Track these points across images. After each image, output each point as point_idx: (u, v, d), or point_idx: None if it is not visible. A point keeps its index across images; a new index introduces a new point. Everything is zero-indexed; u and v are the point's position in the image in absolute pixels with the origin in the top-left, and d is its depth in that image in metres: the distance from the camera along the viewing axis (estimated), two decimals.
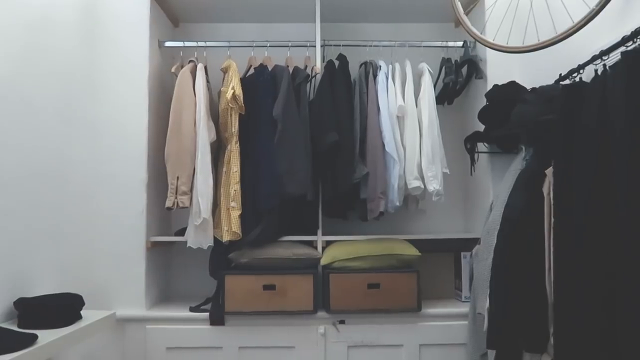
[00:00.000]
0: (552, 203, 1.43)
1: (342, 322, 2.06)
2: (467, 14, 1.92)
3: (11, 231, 1.59)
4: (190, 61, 2.23)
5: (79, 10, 2.06)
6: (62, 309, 1.58)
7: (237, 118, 2.11)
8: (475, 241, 2.02)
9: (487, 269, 1.70)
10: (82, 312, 1.67)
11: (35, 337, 1.34)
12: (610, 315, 1.15)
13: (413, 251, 2.11)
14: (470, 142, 2.18)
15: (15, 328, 1.46)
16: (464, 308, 2.05)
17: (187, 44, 2.35)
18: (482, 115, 2.07)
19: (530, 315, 1.49)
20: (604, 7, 1.35)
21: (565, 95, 1.42)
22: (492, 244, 1.70)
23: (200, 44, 2.33)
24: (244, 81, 2.20)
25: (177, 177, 2.06)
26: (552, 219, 1.41)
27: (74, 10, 2.03)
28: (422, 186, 2.14)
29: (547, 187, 1.49)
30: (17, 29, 1.65)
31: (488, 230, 1.79)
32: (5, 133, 1.58)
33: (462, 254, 2.24)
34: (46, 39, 1.82)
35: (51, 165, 1.85)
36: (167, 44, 2.34)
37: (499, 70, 2.20)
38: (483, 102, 2.09)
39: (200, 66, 2.18)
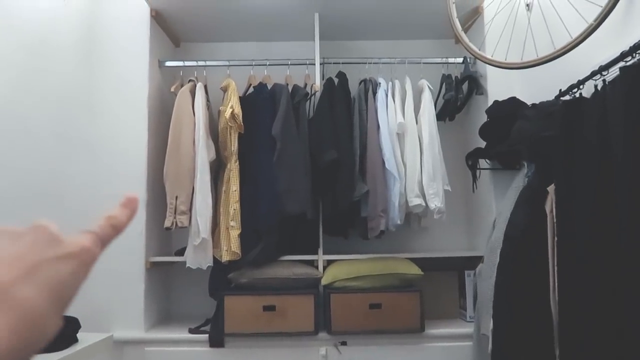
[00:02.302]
0: (555, 221, 1.40)
1: (343, 343, 2.02)
2: (465, 30, 1.92)
3: None
4: (190, 80, 2.24)
5: (79, 32, 2.08)
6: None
7: (237, 137, 2.10)
8: (479, 259, 1.98)
9: (491, 289, 1.66)
10: (78, 334, 1.64)
11: None
12: (618, 335, 1.12)
13: (415, 270, 2.08)
14: (472, 158, 2.16)
15: None
16: (469, 328, 2.00)
17: (187, 63, 2.36)
18: (483, 132, 2.06)
19: (535, 337, 1.45)
20: (602, 22, 1.34)
21: (565, 110, 1.41)
22: (495, 262, 1.66)
23: (200, 63, 2.34)
24: (244, 100, 2.21)
25: (176, 197, 2.05)
26: (556, 237, 1.38)
27: (73, 32, 2.05)
28: (424, 204, 2.11)
29: (550, 205, 1.46)
30: (16, 52, 1.66)
31: (491, 249, 1.76)
32: (4, 154, 1.58)
33: (466, 272, 2.20)
34: (45, 61, 1.84)
35: (50, 185, 1.85)
36: (168, 63, 2.36)
37: (499, 86, 2.18)
38: (484, 118, 2.08)
39: (199, 85, 2.18)
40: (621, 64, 1.24)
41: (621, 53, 1.25)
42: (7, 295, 0.27)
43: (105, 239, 0.36)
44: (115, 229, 0.37)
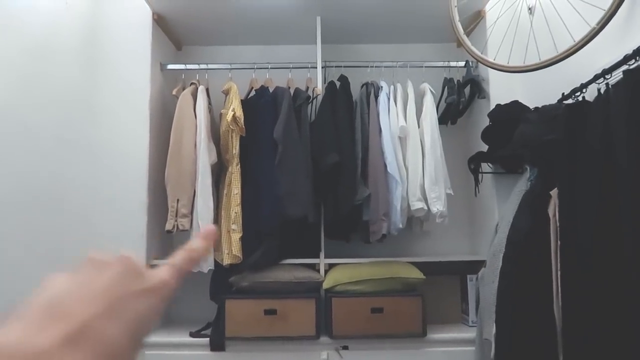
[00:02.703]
0: (558, 225, 1.39)
1: (345, 347, 2.00)
2: (467, 34, 1.92)
3: (9, 256, 1.58)
4: (192, 84, 2.24)
5: (81, 36, 2.08)
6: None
7: (238, 140, 2.10)
8: (481, 263, 1.97)
9: (493, 293, 1.65)
10: None
11: None
12: (622, 341, 1.11)
13: (417, 274, 2.07)
14: (474, 162, 2.15)
15: None
16: (471, 333, 1.99)
17: (189, 66, 2.36)
18: (486, 135, 2.05)
19: (539, 342, 1.44)
20: (605, 25, 1.34)
21: (568, 114, 1.40)
22: (497, 267, 1.65)
23: (202, 66, 2.34)
24: (245, 103, 2.20)
25: (177, 200, 2.05)
26: (559, 242, 1.37)
27: (75, 36, 2.04)
28: (425, 208, 2.11)
29: (553, 209, 1.45)
30: (17, 55, 1.66)
31: (494, 253, 1.75)
32: (5, 156, 1.57)
33: (468, 276, 2.19)
34: (47, 64, 1.83)
35: (50, 188, 1.85)
36: (169, 66, 2.36)
37: (501, 89, 2.18)
38: (486, 122, 2.07)
39: (201, 88, 2.18)
40: (624, 67, 1.24)
41: (624, 56, 1.24)
42: (90, 331, 0.27)
43: (183, 272, 0.36)
44: (193, 262, 0.38)
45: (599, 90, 1.30)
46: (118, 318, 0.29)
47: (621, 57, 1.26)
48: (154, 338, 2.05)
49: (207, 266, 2.07)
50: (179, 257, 0.37)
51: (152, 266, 0.36)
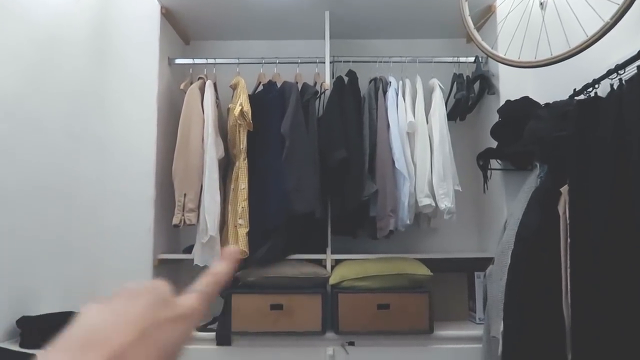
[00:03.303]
0: (568, 222, 1.37)
1: (351, 343, 2.00)
2: (478, 29, 1.89)
3: (17, 248, 1.59)
4: (200, 78, 2.24)
5: (89, 29, 2.09)
6: (65, 328, 1.56)
7: (246, 135, 2.10)
8: (489, 260, 1.96)
9: (501, 290, 1.63)
10: None
11: (33, 357, 1.31)
12: (632, 340, 1.09)
13: (424, 271, 2.06)
14: (483, 158, 2.13)
15: (17, 347, 1.43)
16: (478, 330, 1.97)
17: (197, 61, 2.36)
18: (495, 132, 2.03)
19: (547, 340, 1.42)
20: (619, 20, 1.31)
21: (579, 110, 1.38)
22: (506, 264, 1.64)
23: (210, 61, 2.34)
24: (253, 98, 2.20)
25: (185, 194, 2.05)
26: (569, 239, 1.35)
27: (84, 29, 2.05)
28: (433, 204, 2.09)
29: (563, 206, 1.43)
30: (26, 47, 1.66)
31: (502, 250, 1.73)
32: (13, 150, 1.58)
33: (475, 273, 2.17)
34: (55, 57, 1.84)
35: (58, 182, 1.85)
36: (177, 61, 2.36)
37: (511, 85, 2.16)
38: (496, 118, 2.05)
39: (209, 83, 2.18)
40: (638, 62, 1.22)
41: (638, 51, 1.22)
42: (125, 358, 0.29)
43: (210, 297, 0.38)
44: (219, 285, 0.39)
45: (611, 85, 1.28)
46: (150, 345, 0.30)
47: (635, 52, 1.24)
48: None
49: (214, 261, 2.06)
50: (204, 281, 0.38)
51: (180, 291, 0.37)
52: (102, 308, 0.32)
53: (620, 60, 1.30)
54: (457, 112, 2.41)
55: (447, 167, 2.13)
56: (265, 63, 2.32)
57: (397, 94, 2.23)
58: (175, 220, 2.04)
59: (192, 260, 2.08)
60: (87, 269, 1.99)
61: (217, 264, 0.40)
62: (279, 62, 2.32)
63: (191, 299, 0.36)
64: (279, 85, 2.24)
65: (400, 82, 2.26)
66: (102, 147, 2.12)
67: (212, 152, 2.07)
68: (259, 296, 2.00)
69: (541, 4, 1.81)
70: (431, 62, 2.34)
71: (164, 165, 2.17)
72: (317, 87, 2.26)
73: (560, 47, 1.51)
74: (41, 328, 1.52)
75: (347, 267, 2.08)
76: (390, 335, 1.99)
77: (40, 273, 1.72)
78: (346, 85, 2.25)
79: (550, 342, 1.42)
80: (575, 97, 1.58)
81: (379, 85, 2.25)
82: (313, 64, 2.32)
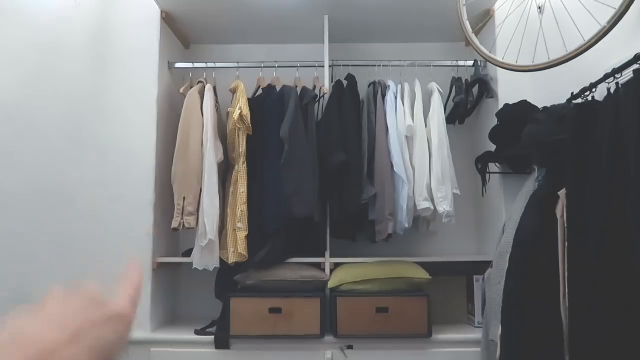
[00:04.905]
0: (565, 226, 1.38)
1: (350, 347, 2.00)
2: (476, 33, 1.90)
3: (18, 251, 1.59)
4: (199, 82, 2.24)
5: (90, 34, 2.10)
6: None
7: (245, 138, 2.10)
8: (488, 264, 1.96)
9: (500, 294, 1.63)
10: None
11: None
12: (630, 344, 1.09)
13: (423, 274, 2.06)
14: (482, 162, 2.14)
15: None
16: (477, 334, 1.97)
17: (197, 65, 2.37)
18: (493, 135, 2.03)
19: (545, 344, 1.42)
20: (616, 25, 1.32)
21: (577, 114, 1.39)
22: (504, 267, 1.64)
23: (210, 65, 2.34)
24: (252, 102, 2.21)
25: (184, 198, 2.05)
26: (567, 243, 1.36)
27: (84, 34, 2.06)
28: (432, 207, 2.09)
29: (561, 210, 1.43)
30: (27, 52, 1.67)
31: (500, 254, 1.73)
32: (13, 153, 1.59)
33: (474, 277, 2.17)
34: (56, 62, 1.85)
35: (58, 185, 1.86)
36: (177, 65, 2.37)
37: (510, 89, 2.16)
38: (494, 121, 2.06)
39: (208, 87, 2.19)
40: (635, 66, 1.22)
41: (635, 55, 1.23)
42: (54, 357, 0.30)
43: (137, 300, 0.40)
44: (140, 289, 0.41)
45: (608, 89, 1.28)
46: (82, 344, 0.31)
47: (632, 56, 1.24)
48: (160, 335, 2.06)
49: (213, 264, 2.07)
50: (127, 285, 0.40)
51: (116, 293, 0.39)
52: (31, 312, 0.33)
53: (617, 64, 1.31)
54: (456, 115, 2.41)
55: (446, 170, 2.13)
56: (264, 67, 2.33)
57: (396, 98, 2.23)
58: (174, 224, 2.05)
59: (191, 264, 2.08)
60: (87, 271, 1.99)
61: (129, 272, 0.42)
62: (278, 66, 2.32)
63: (121, 300, 0.37)
64: (278, 89, 2.25)
65: (399, 86, 2.27)
66: (102, 150, 2.12)
67: (212, 156, 2.08)
68: (257, 300, 2.00)
69: (539, 8, 1.82)
70: (430, 66, 2.35)
71: (164, 169, 2.17)
72: (317, 91, 2.27)
73: (558, 51, 1.52)
74: None
75: (346, 271, 2.08)
76: (389, 338, 1.99)
77: (41, 276, 1.72)
78: (345, 89, 2.26)
79: (549, 345, 1.42)
80: (573, 101, 1.58)
81: (378, 89, 2.26)
82: (312, 68, 2.33)
